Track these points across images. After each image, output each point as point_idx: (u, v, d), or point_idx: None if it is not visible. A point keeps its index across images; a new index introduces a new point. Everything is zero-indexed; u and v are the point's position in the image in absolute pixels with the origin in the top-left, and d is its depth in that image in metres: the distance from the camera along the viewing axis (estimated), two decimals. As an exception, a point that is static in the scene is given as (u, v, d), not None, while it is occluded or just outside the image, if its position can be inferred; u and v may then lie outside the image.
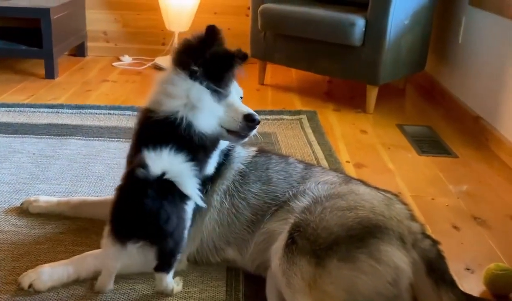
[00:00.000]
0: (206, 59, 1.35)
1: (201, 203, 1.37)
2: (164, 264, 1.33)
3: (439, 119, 3.00)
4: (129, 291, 1.43)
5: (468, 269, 1.62)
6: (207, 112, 1.36)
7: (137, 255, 1.32)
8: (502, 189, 2.19)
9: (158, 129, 1.32)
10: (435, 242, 1.36)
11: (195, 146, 1.32)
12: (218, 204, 1.50)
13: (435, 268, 1.31)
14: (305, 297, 1.24)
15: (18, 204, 1.82)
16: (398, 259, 1.28)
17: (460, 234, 1.84)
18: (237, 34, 4.06)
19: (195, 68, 1.34)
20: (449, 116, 3.06)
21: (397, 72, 3.15)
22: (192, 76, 1.35)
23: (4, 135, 2.46)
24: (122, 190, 1.27)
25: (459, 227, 1.87)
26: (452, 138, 2.71)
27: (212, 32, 1.37)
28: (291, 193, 1.48)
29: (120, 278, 1.46)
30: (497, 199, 2.10)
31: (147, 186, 1.21)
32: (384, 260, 1.26)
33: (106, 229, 1.28)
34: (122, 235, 1.25)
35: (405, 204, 1.45)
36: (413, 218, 1.40)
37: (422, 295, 1.32)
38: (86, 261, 1.44)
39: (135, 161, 1.28)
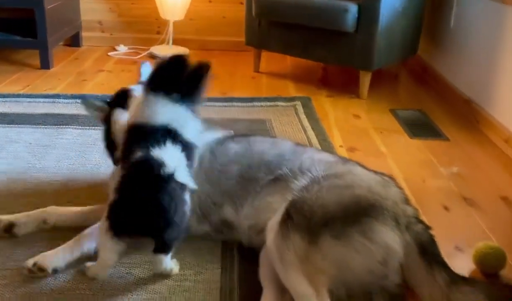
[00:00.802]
0: (181, 85, 1.49)
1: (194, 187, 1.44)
2: (164, 247, 1.38)
3: (431, 103, 3.03)
4: (126, 275, 1.47)
5: (458, 248, 1.66)
6: (190, 127, 1.50)
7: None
8: (493, 170, 2.23)
9: (157, 133, 1.41)
10: (427, 227, 1.40)
11: (187, 149, 1.45)
12: (205, 164, 1.58)
13: (427, 250, 1.35)
14: (297, 271, 1.27)
15: (16, 192, 1.85)
16: (391, 240, 1.31)
17: (451, 214, 1.87)
18: (231, 22, 4.08)
19: (175, 94, 1.48)
20: (441, 99, 3.09)
21: (390, 58, 3.18)
22: (173, 100, 1.48)
23: (0, 125, 2.48)
24: (135, 187, 1.32)
25: (450, 208, 1.91)
26: (444, 121, 2.74)
27: (181, 62, 1.51)
28: (288, 167, 1.51)
29: (118, 262, 1.49)
30: (487, 180, 2.14)
31: (167, 182, 1.31)
32: (377, 239, 1.29)
33: (104, 224, 1.33)
34: (122, 231, 1.31)
35: (400, 188, 1.48)
36: (407, 202, 1.43)
37: (414, 276, 1.36)
38: (87, 239, 1.50)
39: (139, 159, 1.35)
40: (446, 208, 1.91)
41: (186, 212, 1.40)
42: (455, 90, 3.01)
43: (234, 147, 1.63)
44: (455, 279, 1.33)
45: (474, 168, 2.24)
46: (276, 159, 1.55)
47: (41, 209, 1.65)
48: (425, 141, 2.49)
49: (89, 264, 1.45)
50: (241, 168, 1.57)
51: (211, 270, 1.50)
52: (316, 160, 1.51)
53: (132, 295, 1.39)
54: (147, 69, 1.66)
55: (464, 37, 3.02)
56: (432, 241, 1.38)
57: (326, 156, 1.58)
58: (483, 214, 1.87)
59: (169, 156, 1.35)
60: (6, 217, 1.59)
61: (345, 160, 1.62)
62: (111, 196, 1.35)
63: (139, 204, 1.29)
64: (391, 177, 1.52)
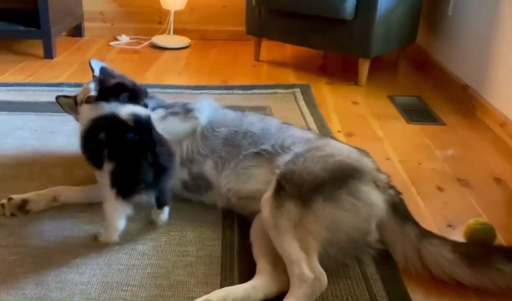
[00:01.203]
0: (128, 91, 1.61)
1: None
2: (164, 197, 1.56)
3: (429, 90, 3.08)
4: (130, 251, 1.53)
5: (450, 226, 1.72)
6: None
7: None
8: (487, 153, 2.28)
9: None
10: (398, 192, 1.54)
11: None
12: (207, 119, 1.75)
13: (399, 209, 1.49)
14: (290, 237, 1.35)
15: (24, 175, 1.92)
16: (375, 197, 1.44)
17: (444, 194, 1.93)
18: (232, 11, 4.12)
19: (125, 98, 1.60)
20: (439, 86, 3.13)
21: (388, 45, 3.22)
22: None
23: (6, 112, 2.54)
24: (125, 149, 1.44)
25: (443, 188, 1.96)
26: (441, 107, 2.79)
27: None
28: (270, 144, 1.63)
29: (123, 239, 1.56)
30: (481, 162, 2.19)
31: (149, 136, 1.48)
32: (363, 198, 1.42)
33: (111, 193, 1.43)
34: (128, 192, 1.44)
35: (371, 158, 1.61)
36: (379, 170, 1.56)
37: (389, 233, 1.49)
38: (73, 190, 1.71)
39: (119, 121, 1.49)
40: (440, 189, 1.96)
41: (173, 159, 1.54)
42: (452, 76, 3.05)
43: (230, 114, 1.81)
44: (425, 233, 1.46)
45: (469, 151, 2.30)
46: (261, 132, 1.69)
47: (51, 188, 1.73)
48: (421, 126, 2.54)
49: (101, 231, 1.55)
50: (228, 132, 1.71)
51: (212, 247, 1.56)
52: (297, 138, 1.64)
53: (137, 270, 1.45)
54: (97, 64, 1.77)
55: (461, 25, 3.05)
56: (403, 203, 1.52)
57: (306, 134, 1.72)
58: (476, 194, 1.93)
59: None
60: (19, 196, 1.67)
61: (322, 136, 1.79)
62: (107, 167, 1.44)
63: (133, 162, 1.42)
64: (363, 150, 1.65)
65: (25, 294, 1.34)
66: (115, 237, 1.52)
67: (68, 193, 1.72)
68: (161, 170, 1.46)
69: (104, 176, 1.46)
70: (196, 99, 1.87)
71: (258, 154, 1.63)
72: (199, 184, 1.71)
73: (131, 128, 1.44)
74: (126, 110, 1.49)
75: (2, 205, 1.64)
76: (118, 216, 1.47)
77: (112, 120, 1.48)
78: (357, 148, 1.64)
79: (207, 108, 1.79)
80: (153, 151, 1.43)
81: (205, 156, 1.69)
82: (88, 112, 1.58)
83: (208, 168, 1.69)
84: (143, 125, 1.46)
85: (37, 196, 1.68)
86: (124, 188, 1.43)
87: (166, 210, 1.60)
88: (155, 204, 1.56)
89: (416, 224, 1.49)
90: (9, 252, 1.50)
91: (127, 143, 1.43)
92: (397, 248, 1.48)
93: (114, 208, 1.45)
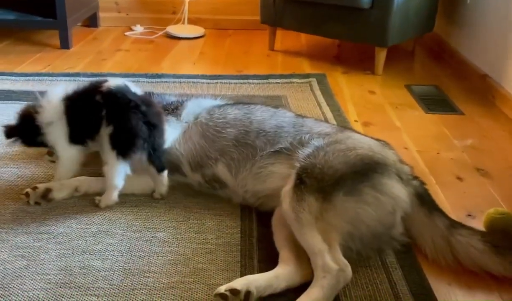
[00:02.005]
0: None
1: None
2: (161, 163, 1.65)
3: (447, 79, 3.04)
4: (151, 238, 1.55)
5: (469, 215, 1.71)
6: None
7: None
8: (506, 143, 2.26)
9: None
10: (422, 182, 1.53)
11: None
12: (202, 120, 1.74)
13: (426, 200, 1.48)
14: (312, 229, 1.35)
15: (43, 164, 1.94)
16: (398, 191, 1.42)
17: (463, 184, 1.92)
18: (247, 1, 4.10)
19: None
20: (457, 75, 3.09)
21: (405, 34, 3.18)
22: None
23: (24, 102, 2.56)
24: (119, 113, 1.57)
25: (463, 178, 1.95)
26: (459, 96, 2.76)
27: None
28: (288, 141, 1.60)
29: (143, 227, 1.58)
30: (500, 152, 2.17)
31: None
32: (386, 191, 1.40)
33: (111, 155, 1.56)
34: (126, 151, 1.56)
35: (394, 150, 1.59)
36: (402, 162, 1.55)
37: (416, 225, 1.48)
38: (94, 181, 1.74)
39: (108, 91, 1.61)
40: (459, 178, 1.95)
41: (160, 117, 1.64)
42: (471, 65, 3.02)
43: (233, 112, 1.75)
44: (454, 223, 1.46)
45: (488, 141, 2.27)
46: (274, 130, 1.65)
47: (73, 178, 1.74)
48: (440, 116, 2.52)
49: (98, 198, 1.66)
50: (238, 133, 1.68)
51: (231, 234, 1.57)
52: (315, 133, 1.61)
53: (158, 257, 1.47)
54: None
55: (480, 13, 3.01)
56: (428, 194, 1.51)
57: (324, 127, 1.68)
58: (495, 184, 1.91)
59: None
60: (43, 185, 1.69)
61: (342, 129, 1.74)
62: (105, 130, 1.57)
63: (129, 122, 1.54)
64: (385, 142, 1.62)
65: (50, 280, 1.37)
66: (115, 197, 1.63)
67: (90, 183, 1.74)
68: (152, 126, 1.57)
69: (103, 139, 1.57)
70: (211, 90, 1.96)
71: (276, 152, 1.60)
72: (213, 184, 1.70)
73: (120, 94, 1.56)
74: (112, 81, 1.61)
75: (27, 194, 1.66)
76: (119, 175, 1.59)
77: (103, 87, 1.59)
78: (379, 140, 1.62)
79: (192, 109, 1.78)
80: (142, 111, 1.55)
81: (215, 159, 1.67)
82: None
83: (221, 170, 1.67)
84: (127, 91, 1.57)
85: (60, 185, 1.70)
86: (124, 147, 1.55)
87: (165, 174, 1.67)
88: (154, 170, 1.65)
89: (444, 214, 1.48)
90: (33, 238, 1.53)
91: (122, 105, 1.54)
92: (425, 239, 1.47)
93: (115, 168, 1.57)
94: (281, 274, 1.35)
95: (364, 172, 1.42)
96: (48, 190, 1.67)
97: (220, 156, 1.67)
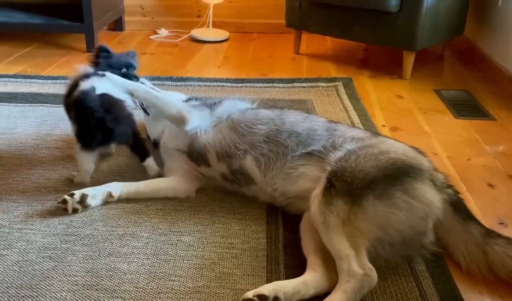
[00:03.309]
0: None
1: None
2: (143, 152, 1.86)
3: (477, 83, 2.97)
4: (176, 242, 1.54)
5: (501, 223, 1.65)
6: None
7: None
8: (541, 150, 2.18)
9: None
10: (457, 191, 1.48)
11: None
12: (233, 116, 1.76)
13: (460, 208, 1.44)
14: (338, 233, 1.32)
15: (70, 166, 1.95)
16: (431, 196, 1.39)
17: (495, 191, 1.86)
18: (271, 4, 4.09)
19: None
20: (488, 80, 3.01)
21: (434, 37, 3.12)
22: None
23: (53, 105, 2.60)
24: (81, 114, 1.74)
25: (494, 185, 1.89)
26: (490, 101, 2.69)
27: None
28: (321, 144, 1.58)
29: (168, 230, 1.58)
30: (535, 160, 2.10)
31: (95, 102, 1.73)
32: (419, 196, 1.36)
33: (77, 146, 1.78)
34: (88, 144, 1.77)
35: (429, 158, 1.55)
36: (437, 170, 1.51)
37: (450, 232, 1.44)
38: (126, 185, 1.77)
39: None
40: (490, 185, 1.89)
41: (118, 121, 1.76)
42: (502, 70, 2.94)
43: (265, 112, 1.76)
44: (490, 232, 1.41)
45: (521, 147, 2.21)
46: (307, 133, 1.63)
47: (107, 183, 1.75)
48: (470, 121, 2.45)
49: (74, 173, 1.87)
50: (269, 130, 1.67)
51: (257, 239, 1.55)
52: (348, 137, 1.58)
53: (183, 261, 1.46)
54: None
55: (512, 16, 2.93)
56: (463, 202, 1.47)
57: (357, 132, 1.65)
58: (530, 192, 1.85)
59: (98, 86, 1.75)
60: (79, 191, 1.69)
61: (376, 134, 1.70)
62: (73, 127, 1.79)
63: (86, 125, 1.73)
64: (420, 149, 1.58)
65: (77, 281, 1.37)
66: (86, 179, 1.84)
67: (124, 188, 1.74)
68: (109, 131, 1.74)
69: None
70: (236, 93, 1.97)
71: (308, 154, 1.58)
72: (239, 177, 1.70)
73: (83, 99, 1.72)
74: (84, 84, 1.76)
75: (64, 201, 1.66)
76: (86, 162, 1.82)
77: (75, 92, 1.78)
78: (413, 147, 1.57)
79: (228, 108, 1.81)
80: (97, 117, 1.70)
81: (244, 151, 1.66)
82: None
83: (249, 163, 1.66)
84: (90, 96, 1.71)
85: (94, 190, 1.71)
86: (84, 143, 1.77)
87: (150, 161, 1.86)
88: (138, 159, 1.87)
89: (479, 223, 1.43)
90: (60, 240, 1.53)
91: (82, 110, 1.72)
92: (459, 248, 1.43)
93: (82, 157, 1.80)
94: (309, 281, 1.32)
95: (396, 175, 1.38)
96: (84, 196, 1.67)
97: (249, 148, 1.66)
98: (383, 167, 1.40)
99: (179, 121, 1.77)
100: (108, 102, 1.74)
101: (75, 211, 1.66)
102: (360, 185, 1.36)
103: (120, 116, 1.77)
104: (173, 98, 1.87)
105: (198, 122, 1.76)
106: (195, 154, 1.75)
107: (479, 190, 1.85)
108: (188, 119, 1.76)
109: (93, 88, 1.72)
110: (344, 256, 1.30)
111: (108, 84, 1.78)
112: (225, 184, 1.74)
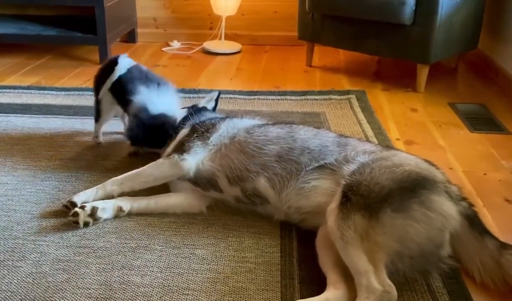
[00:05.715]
0: None
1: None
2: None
3: (493, 97, 2.94)
4: (190, 255, 1.52)
5: (521, 240, 1.62)
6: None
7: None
8: (559, 165, 2.14)
9: None
10: (471, 204, 1.47)
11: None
12: (240, 137, 1.73)
13: (475, 222, 1.42)
14: (357, 249, 1.30)
15: (84, 178, 1.95)
16: (448, 208, 1.37)
17: (513, 207, 1.83)
18: (283, 16, 4.10)
19: None
20: (503, 93, 2.98)
21: (449, 50, 3.10)
22: None
23: (66, 116, 2.61)
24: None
25: (511, 200, 1.86)
26: (506, 115, 2.65)
27: None
28: (333, 157, 1.57)
29: (182, 243, 1.56)
30: (553, 175, 2.06)
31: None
32: (436, 208, 1.35)
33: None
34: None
35: (442, 170, 1.54)
36: (450, 182, 1.49)
37: (464, 246, 1.42)
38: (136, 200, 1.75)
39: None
40: (508, 201, 1.86)
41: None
42: (517, 83, 2.91)
43: (275, 131, 1.73)
44: (505, 245, 1.40)
45: (538, 162, 2.17)
46: (319, 149, 1.62)
47: (118, 198, 1.74)
48: (486, 135, 2.42)
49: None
50: (281, 149, 1.64)
51: (271, 253, 1.53)
52: (360, 151, 1.57)
53: (197, 274, 1.44)
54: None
55: (527, 29, 2.91)
56: (477, 215, 1.45)
57: (368, 146, 1.63)
58: (549, 208, 1.81)
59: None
60: (89, 204, 1.68)
61: (387, 148, 1.69)
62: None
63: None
64: (432, 162, 1.57)
65: (90, 294, 1.36)
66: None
67: (134, 203, 1.73)
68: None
69: None
70: (248, 106, 1.97)
71: (321, 166, 1.57)
72: (253, 199, 1.67)
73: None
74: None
75: (75, 214, 1.65)
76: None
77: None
78: (425, 159, 1.56)
79: (225, 132, 1.77)
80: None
81: (257, 173, 1.64)
82: None
83: (262, 184, 1.63)
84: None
85: (104, 203, 1.70)
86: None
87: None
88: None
89: (494, 237, 1.42)
90: (73, 252, 1.53)
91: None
92: (474, 261, 1.41)
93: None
94: (332, 298, 1.31)
95: (412, 188, 1.36)
96: (94, 209, 1.66)
97: (261, 170, 1.64)
98: (399, 179, 1.38)
99: (176, 173, 1.74)
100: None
101: (86, 225, 1.65)
102: (377, 198, 1.34)
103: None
104: (150, 165, 1.79)
105: (193, 159, 1.72)
106: (203, 180, 1.71)
107: (496, 205, 1.82)
108: (180, 166, 1.72)
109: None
110: (363, 272, 1.28)
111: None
112: (239, 205, 1.72)
